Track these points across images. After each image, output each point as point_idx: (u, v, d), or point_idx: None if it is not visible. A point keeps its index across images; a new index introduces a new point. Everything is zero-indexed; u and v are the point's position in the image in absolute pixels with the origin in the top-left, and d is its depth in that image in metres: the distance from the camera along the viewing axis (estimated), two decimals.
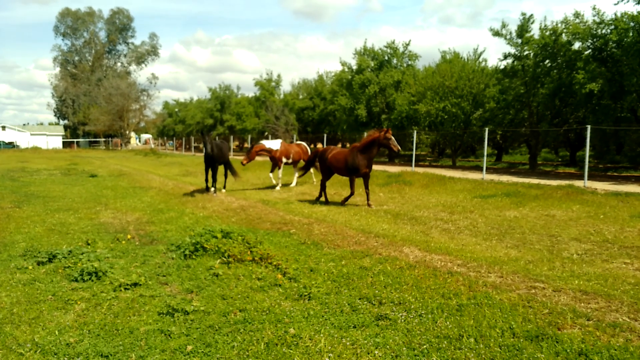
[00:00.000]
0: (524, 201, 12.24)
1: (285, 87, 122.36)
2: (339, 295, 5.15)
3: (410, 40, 34.79)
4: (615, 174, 21.62)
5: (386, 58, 34.27)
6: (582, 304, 4.80)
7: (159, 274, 6.10)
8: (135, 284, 5.59)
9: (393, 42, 34.28)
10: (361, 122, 33.82)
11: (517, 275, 5.78)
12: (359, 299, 5.04)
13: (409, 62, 34.50)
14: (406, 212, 11.17)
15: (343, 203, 12.42)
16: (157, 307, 4.94)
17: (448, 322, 4.34)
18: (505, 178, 17.78)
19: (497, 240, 8.14)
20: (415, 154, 27.70)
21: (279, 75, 51.50)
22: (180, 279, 5.90)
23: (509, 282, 5.51)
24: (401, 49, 34.25)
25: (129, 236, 8.27)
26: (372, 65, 34.40)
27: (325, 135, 34.65)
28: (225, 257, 6.58)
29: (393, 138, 11.91)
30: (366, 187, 12.30)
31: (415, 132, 26.61)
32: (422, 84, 29.27)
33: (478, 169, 23.24)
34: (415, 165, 25.37)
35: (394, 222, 9.91)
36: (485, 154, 19.43)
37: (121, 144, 73.54)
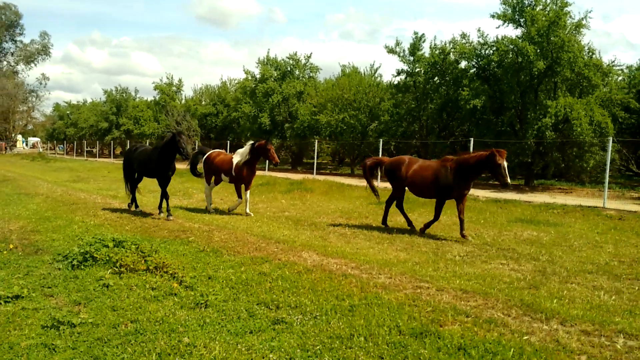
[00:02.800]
0: (413, 207, 12.98)
1: (188, 92, 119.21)
2: (236, 302, 5.15)
3: (311, 53, 35.74)
4: (497, 182, 23.61)
5: (289, 69, 34.74)
6: (462, 302, 5.24)
7: (44, 286, 5.71)
8: (17, 297, 5.19)
9: (295, 54, 34.89)
10: (265, 130, 33.95)
11: (405, 276, 6.16)
12: (257, 304, 5.08)
13: (311, 74, 35.30)
14: (307, 218, 11.42)
15: (423, 232, 9.71)
16: (40, 320, 4.63)
17: (341, 323, 4.53)
18: None
19: (388, 243, 8.60)
20: (317, 162, 28.34)
21: (180, 80, 50.09)
22: (67, 290, 5.56)
23: (397, 283, 5.86)
24: (303, 61, 34.95)
25: (11, 246, 7.63)
26: (275, 75, 34.69)
27: (228, 142, 34.21)
28: (117, 267, 6.30)
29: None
30: (460, 211, 9.44)
31: (316, 141, 27.25)
32: (323, 95, 30.19)
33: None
34: (317, 173, 25.94)
35: (295, 228, 10.08)
36: None
37: (6, 148, 67.13)
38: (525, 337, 4.24)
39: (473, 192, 17.60)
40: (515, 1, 20.21)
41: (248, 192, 12.09)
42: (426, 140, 25.20)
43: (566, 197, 16.78)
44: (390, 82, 28.96)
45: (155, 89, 48.67)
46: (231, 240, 8.43)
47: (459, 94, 21.99)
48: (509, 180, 9.08)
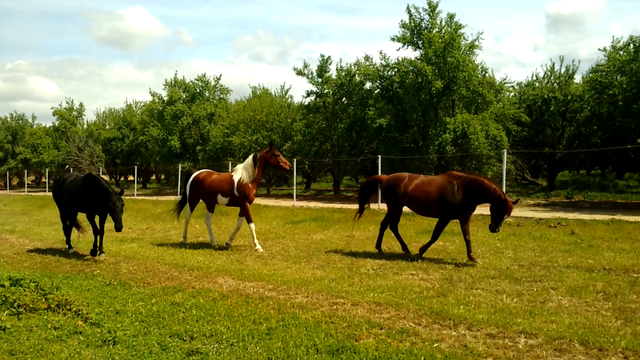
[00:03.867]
0: (328, 224, 13.20)
1: (90, 116, 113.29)
2: (147, 336, 4.92)
3: (221, 75, 35.43)
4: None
5: (198, 90, 34.24)
6: (376, 315, 5.38)
7: None
8: None
9: (204, 76, 34.47)
10: (175, 154, 33.02)
11: (322, 294, 6.23)
12: (170, 336, 4.89)
13: (221, 96, 35.03)
14: (221, 242, 11.18)
15: (420, 256, 8.96)
16: None
17: (258, 347, 4.48)
18: (313, 204, 18.99)
19: (305, 262, 8.65)
20: None
21: (81, 104, 47.40)
22: None
23: (314, 301, 5.91)
24: (213, 83, 34.63)
25: None
26: (184, 96, 34.01)
27: (136, 167, 32.81)
28: (14, 308, 5.78)
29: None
30: (466, 232, 8.80)
31: (230, 163, 26.89)
32: (235, 117, 30.07)
33: (290, 196, 24.32)
34: None
35: (210, 253, 9.84)
36: (295, 182, 20.59)
37: None
38: (435, 345, 4.44)
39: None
40: (413, 25, 21.43)
41: (242, 218, 10.52)
42: (338, 158, 25.81)
43: None
44: (301, 103, 29.46)
45: (54, 115, 45.73)
46: (140, 271, 8.05)
47: (365, 113, 22.81)
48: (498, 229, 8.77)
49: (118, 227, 8.79)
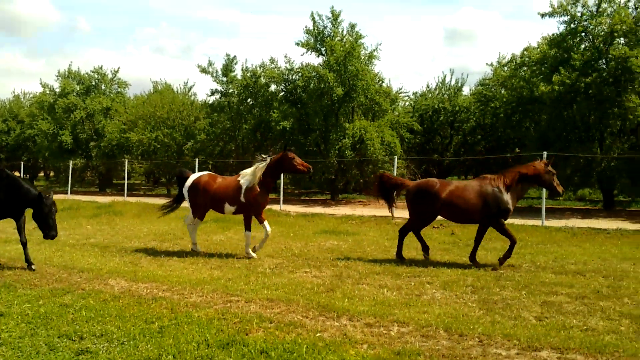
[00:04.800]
0: (229, 225, 13.33)
1: None
2: (35, 337, 4.84)
3: (119, 68, 33.97)
4: (307, 198, 25.33)
5: (94, 83, 32.56)
6: (268, 310, 5.70)
7: None
8: None
9: (101, 68, 32.89)
10: (66, 149, 31.09)
11: (217, 293, 6.43)
12: (58, 337, 4.84)
13: (119, 90, 33.57)
14: (116, 244, 10.93)
15: (501, 263, 8.59)
16: None
17: (149, 345, 4.60)
18: None
19: (203, 263, 8.76)
20: (128, 184, 26.91)
21: None
22: None
23: (209, 300, 6.11)
24: (110, 75, 33.10)
25: None
26: (78, 89, 32.17)
27: (22, 163, 30.46)
28: None
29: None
30: (482, 236, 8.97)
31: (127, 161, 25.92)
32: (134, 112, 29.02)
33: None
34: (128, 195, 24.68)
35: (102, 255, 9.59)
36: None
37: None
38: (318, 334, 4.85)
39: (285, 207, 18.68)
40: (316, 31, 22.15)
41: (266, 222, 9.57)
42: (243, 159, 25.88)
43: (364, 209, 18.83)
44: (205, 101, 29.10)
45: None
46: (27, 273, 7.72)
47: (270, 115, 23.18)
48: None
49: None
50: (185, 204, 10.36)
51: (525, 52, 20.23)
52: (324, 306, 5.82)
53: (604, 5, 17.68)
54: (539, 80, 18.46)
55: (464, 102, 26.34)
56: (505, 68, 22.70)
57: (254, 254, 9.31)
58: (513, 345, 4.65)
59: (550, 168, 8.68)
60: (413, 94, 29.98)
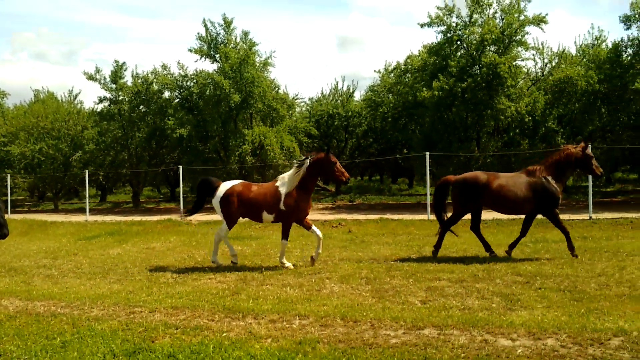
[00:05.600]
0: (127, 238, 13.00)
1: None
2: None
3: None
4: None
5: None
6: (173, 317, 5.81)
7: None
8: None
9: None
10: None
11: (119, 306, 6.40)
12: None
13: None
14: (4, 264, 10.28)
15: (573, 252, 8.76)
16: None
17: None
18: (109, 218, 18.23)
19: (100, 277, 8.56)
20: (11, 200, 24.92)
21: None
22: None
23: (111, 313, 6.07)
24: None
25: None
26: None
27: None
28: None
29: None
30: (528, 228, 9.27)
31: (9, 175, 24.03)
32: (14, 124, 27.00)
33: (82, 211, 22.75)
34: (12, 212, 22.87)
35: None
36: (88, 195, 19.48)
37: None
38: (224, 334, 5.09)
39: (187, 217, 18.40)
40: (209, 38, 22.09)
41: (314, 227, 9.09)
42: (137, 169, 24.99)
43: None
44: (93, 110, 27.67)
45: None
46: None
47: (165, 123, 22.67)
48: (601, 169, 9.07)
49: None
50: (201, 216, 9.99)
51: (408, 59, 21.78)
52: (229, 308, 6.04)
53: (475, 16, 19.55)
54: (421, 86, 19.97)
55: (355, 108, 27.62)
56: (392, 75, 24.23)
57: (289, 264, 8.81)
58: (400, 326, 5.22)
59: (588, 151, 8.80)
60: (309, 99, 30.88)
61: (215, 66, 22.54)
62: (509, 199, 8.84)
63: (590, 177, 12.73)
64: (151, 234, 13.87)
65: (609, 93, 18.21)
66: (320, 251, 9.09)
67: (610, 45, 19.71)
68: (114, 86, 24.77)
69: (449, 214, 9.55)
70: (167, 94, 24.18)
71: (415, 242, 11.27)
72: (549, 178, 8.76)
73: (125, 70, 24.97)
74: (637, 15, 17.83)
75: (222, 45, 21.82)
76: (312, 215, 17.74)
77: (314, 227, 9.07)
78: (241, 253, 10.59)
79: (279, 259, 8.96)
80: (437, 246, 9.40)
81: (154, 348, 4.77)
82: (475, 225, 9.40)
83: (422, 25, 20.01)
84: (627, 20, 18.10)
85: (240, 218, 9.53)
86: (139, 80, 24.15)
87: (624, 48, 18.34)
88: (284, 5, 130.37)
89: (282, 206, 8.77)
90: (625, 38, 18.52)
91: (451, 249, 10.17)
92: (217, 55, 21.98)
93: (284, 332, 5.15)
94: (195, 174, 21.54)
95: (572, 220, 13.83)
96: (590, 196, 14.25)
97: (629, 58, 18.08)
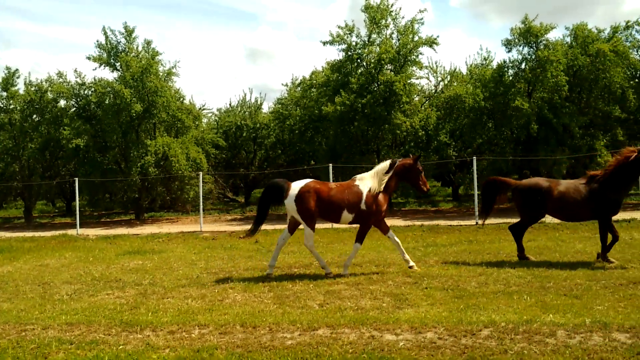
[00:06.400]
0: (18, 255, 12.25)
1: None
2: None
3: None
4: (109, 219, 23.99)
5: None
6: (68, 333, 5.69)
7: None
8: None
9: None
10: None
11: (9, 324, 6.12)
12: None
13: None
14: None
15: (604, 257, 8.65)
16: None
17: None
18: None
19: None
20: None
21: None
22: None
23: (0, 332, 5.80)
24: None
25: None
26: None
27: None
28: None
29: None
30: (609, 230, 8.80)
31: None
32: None
33: None
34: None
35: None
36: None
37: None
38: (121, 347, 5.10)
39: (84, 231, 17.61)
40: (109, 46, 21.35)
41: (391, 232, 8.83)
42: (30, 181, 23.39)
43: (172, 226, 18.77)
44: None
45: None
46: None
47: (60, 133, 21.51)
48: None
49: None
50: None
51: (312, 75, 22.48)
52: (127, 322, 6.01)
53: (373, 35, 20.67)
54: (325, 101, 20.70)
55: (264, 119, 27.88)
56: (299, 88, 24.82)
57: (347, 272, 8.56)
58: (297, 328, 5.53)
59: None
60: (218, 110, 30.68)
61: (115, 74, 21.80)
62: (569, 206, 8.89)
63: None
64: (44, 250, 13.14)
65: (493, 109, 19.99)
66: (407, 257, 8.90)
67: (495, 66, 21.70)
68: (4, 94, 23.15)
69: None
70: (62, 103, 22.94)
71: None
72: (609, 184, 8.69)
73: (17, 78, 23.42)
74: (516, 40, 19.84)
75: (123, 53, 21.16)
76: (218, 227, 17.75)
77: (390, 232, 8.89)
78: (142, 268, 10.40)
79: (345, 263, 8.76)
80: (520, 250, 9.35)
81: None
82: (520, 228, 9.40)
83: (324, 43, 20.80)
84: (508, 44, 20.08)
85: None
86: (33, 88, 22.72)
87: (506, 69, 20.28)
88: (191, 15, 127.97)
89: (362, 206, 8.52)
90: (507, 60, 20.55)
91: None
92: (118, 64, 21.28)
93: (183, 342, 5.25)
94: (94, 186, 20.61)
95: (461, 225, 15.09)
96: (476, 204, 15.61)
97: (510, 78, 19.99)
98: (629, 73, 19.98)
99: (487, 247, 11.20)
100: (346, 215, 8.58)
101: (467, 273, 8.29)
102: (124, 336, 5.52)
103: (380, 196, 8.61)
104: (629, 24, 20.06)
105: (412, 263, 8.83)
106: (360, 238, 8.75)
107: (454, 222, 15.94)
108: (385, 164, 8.75)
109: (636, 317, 5.46)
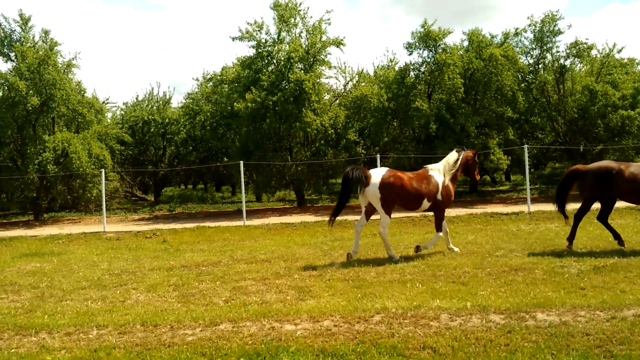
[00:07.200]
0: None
1: None
2: None
3: None
4: (5, 220, 22.28)
5: None
6: None
7: None
8: None
9: None
10: None
11: None
12: None
13: None
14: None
15: None
16: None
17: None
18: None
19: None
20: None
21: None
22: None
23: None
24: None
25: None
26: None
27: None
28: None
29: None
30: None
31: None
32: None
33: None
34: None
35: None
36: None
37: None
38: (13, 350, 4.95)
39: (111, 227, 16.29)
40: (3, 35, 19.85)
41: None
42: None
43: (73, 227, 17.86)
44: None
45: None
46: None
47: None
48: None
49: None
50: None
51: (223, 70, 22.29)
52: (21, 326, 5.81)
53: (283, 34, 20.89)
54: (236, 97, 20.63)
55: (173, 115, 27.20)
56: (210, 84, 24.49)
57: (456, 249, 9.33)
58: (199, 325, 5.64)
59: None
60: (124, 103, 29.48)
61: (10, 65, 20.29)
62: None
63: None
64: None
65: (397, 110, 20.96)
66: (451, 246, 9.45)
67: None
68: None
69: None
70: None
71: (228, 247, 11.75)
72: None
73: None
74: (417, 43, 20.94)
75: (17, 43, 19.75)
76: (124, 227, 17.15)
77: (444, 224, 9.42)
78: (40, 270, 9.92)
79: (425, 246, 9.38)
80: (571, 238, 9.09)
81: None
82: (604, 216, 9.08)
83: (233, 39, 20.71)
84: (409, 47, 21.15)
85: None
86: None
87: (407, 71, 21.34)
88: (95, 3, 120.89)
89: (439, 196, 9.04)
90: (409, 62, 21.65)
91: (261, 251, 10.89)
92: (12, 54, 19.83)
93: (79, 343, 5.19)
94: None
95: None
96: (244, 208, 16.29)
97: (412, 80, 21.08)
98: (518, 77, 21.79)
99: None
100: (425, 203, 9.06)
101: (368, 264, 8.76)
102: (17, 340, 5.34)
103: (450, 186, 9.28)
104: (517, 30, 21.83)
105: (456, 249, 9.43)
106: (439, 227, 9.25)
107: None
108: (454, 155, 9.40)
109: (513, 300, 6.11)
